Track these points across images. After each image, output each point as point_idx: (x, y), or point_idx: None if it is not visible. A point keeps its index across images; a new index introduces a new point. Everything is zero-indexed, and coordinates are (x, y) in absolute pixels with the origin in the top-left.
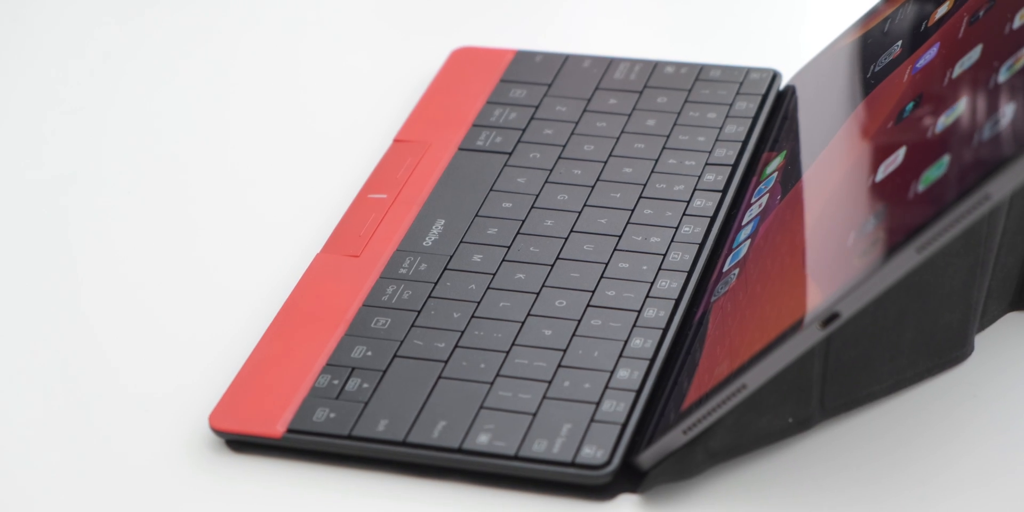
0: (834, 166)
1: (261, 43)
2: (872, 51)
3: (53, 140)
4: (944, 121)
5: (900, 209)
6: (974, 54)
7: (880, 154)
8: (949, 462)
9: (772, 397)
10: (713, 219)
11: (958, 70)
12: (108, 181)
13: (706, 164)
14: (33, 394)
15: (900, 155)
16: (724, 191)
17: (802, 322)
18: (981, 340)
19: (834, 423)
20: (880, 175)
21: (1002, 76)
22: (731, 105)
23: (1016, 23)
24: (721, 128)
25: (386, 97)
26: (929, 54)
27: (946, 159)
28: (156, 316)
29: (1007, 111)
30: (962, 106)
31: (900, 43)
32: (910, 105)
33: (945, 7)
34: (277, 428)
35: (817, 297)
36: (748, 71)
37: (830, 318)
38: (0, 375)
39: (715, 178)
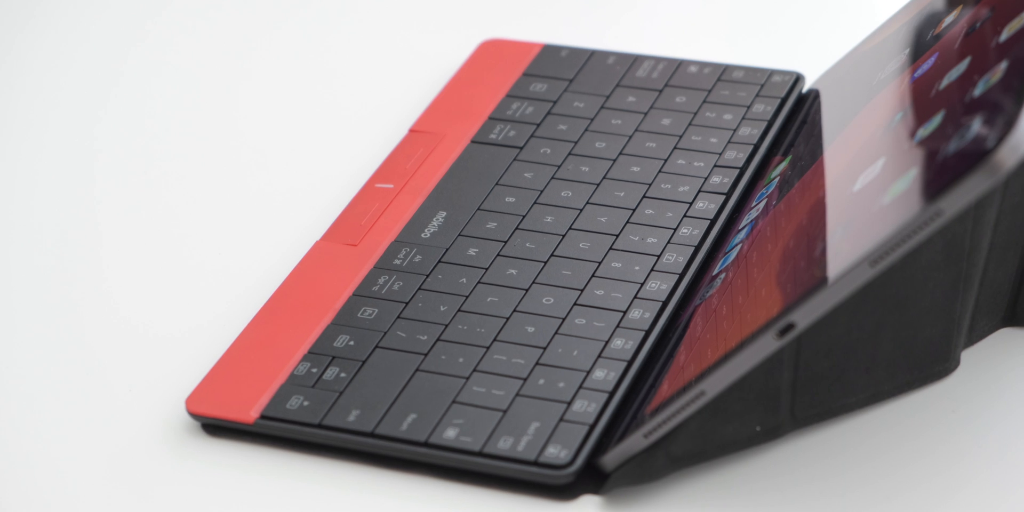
0: (825, 173)
1: (296, 28)
2: (885, 57)
3: (62, 108)
4: (922, 133)
5: (863, 221)
6: (962, 66)
7: (862, 163)
8: (919, 479)
9: (738, 405)
10: (713, 222)
11: (945, 82)
12: (119, 157)
13: (715, 166)
14: (24, 372)
15: (879, 166)
16: (728, 194)
17: (761, 331)
18: (969, 356)
19: (805, 434)
20: (858, 185)
21: (978, 90)
22: (749, 107)
23: (1003, 36)
24: (735, 130)
25: (411, 87)
26: (927, 64)
27: (912, 173)
28: (151, 296)
29: (974, 126)
30: (938, 119)
31: (907, 50)
32: (899, 115)
33: (952, 16)
34: (250, 414)
35: (778, 307)
36: (771, 73)
37: (786, 328)
38: None
39: (721, 180)
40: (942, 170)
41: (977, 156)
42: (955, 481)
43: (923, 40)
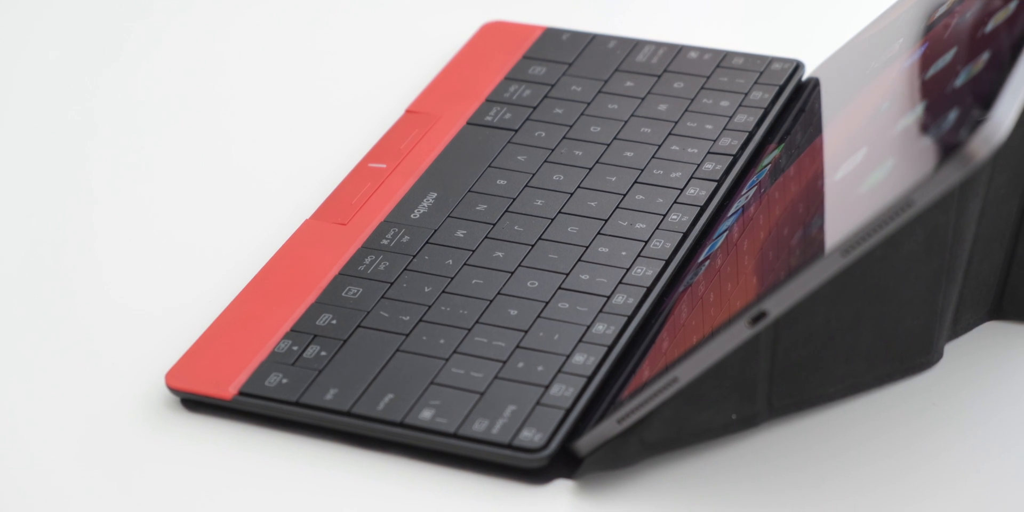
0: (813, 162)
1: (303, 5)
2: (882, 46)
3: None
4: (903, 123)
5: (840, 210)
6: (948, 57)
7: (846, 153)
8: (896, 472)
9: (713, 392)
10: (703, 209)
11: (931, 72)
12: (112, 132)
13: (708, 153)
14: (6, 345)
15: (860, 155)
16: (720, 181)
17: (734, 319)
18: (954, 348)
19: (783, 423)
20: (840, 174)
21: (959, 81)
22: (746, 94)
23: (989, 27)
24: (731, 117)
25: (412, 67)
26: (917, 53)
27: (890, 163)
28: (139, 271)
29: (949, 117)
30: (919, 110)
31: (901, 40)
32: (885, 105)
33: (946, 5)
34: (229, 390)
35: (755, 295)
36: (771, 61)
37: (758, 316)
38: None
39: (714, 167)
40: (917, 161)
41: (949, 147)
42: (933, 475)
43: (918, 29)
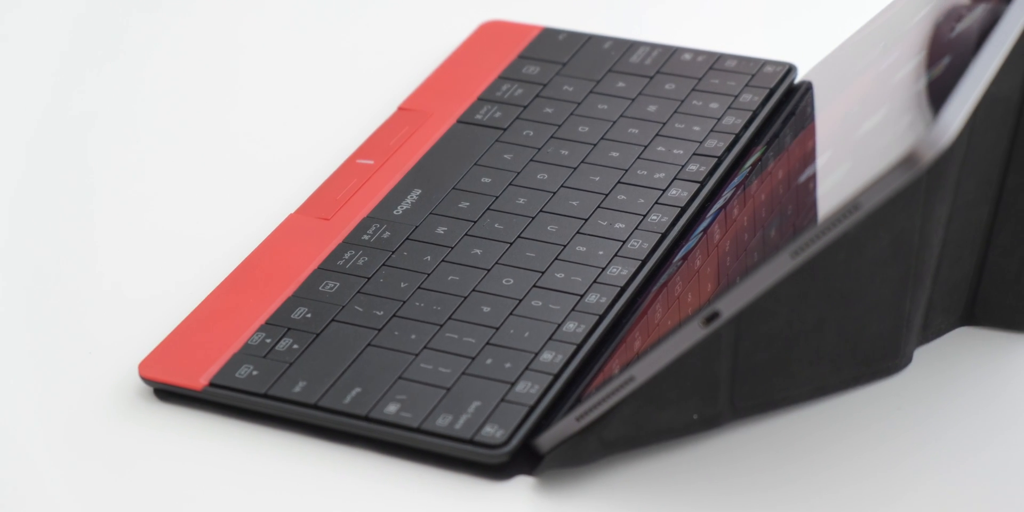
0: (786, 164)
1: (308, 1)
2: (867, 49)
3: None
4: (865, 127)
5: (795, 213)
6: (915, 60)
7: (814, 156)
8: (858, 475)
9: (673, 392)
10: (684, 210)
11: (899, 75)
12: (106, 122)
13: (693, 154)
14: None
15: (824, 159)
16: (703, 183)
17: (689, 319)
18: (924, 353)
19: (747, 424)
20: (803, 177)
21: (919, 85)
22: (736, 96)
23: (955, 31)
24: (719, 119)
25: (409, 65)
26: (892, 56)
27: (846, 166)
28: (122, 261)
29: (902, 120)
30: (881, 113)
31: (882, 44)
32: (854, 109)
33: (925, 9)
34: (200, 381)
35: (708, 295)
36: (764, 64)
37: (711, 316)
38: None
39: (698, 169)
40: (867, 164)
41: (897, 151)
42: (895, 480)
43: (897, 33)
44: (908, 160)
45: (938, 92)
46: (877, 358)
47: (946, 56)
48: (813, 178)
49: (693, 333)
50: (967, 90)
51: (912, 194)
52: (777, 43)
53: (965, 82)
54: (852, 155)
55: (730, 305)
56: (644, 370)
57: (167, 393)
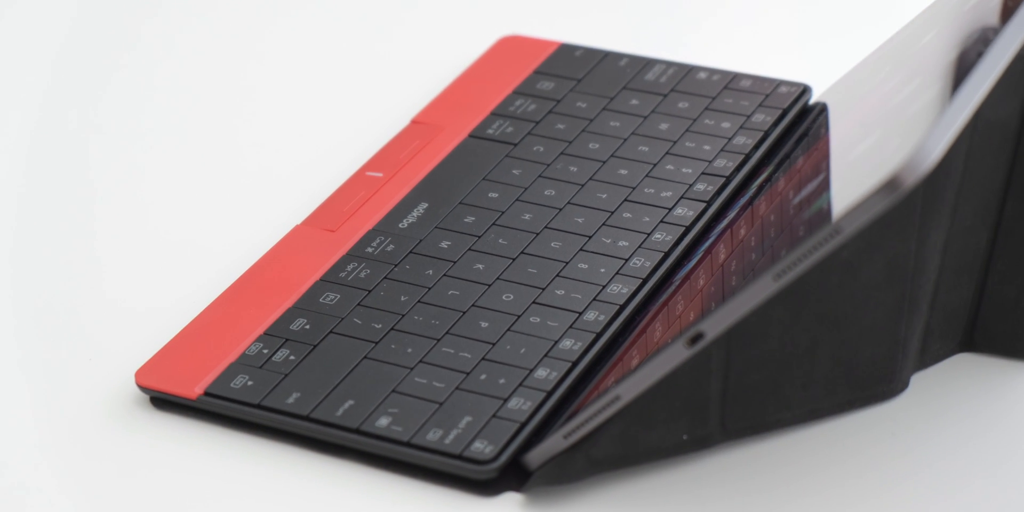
0: (787, 186)
1: (325, 11)
2: (877, 71)
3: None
4: (859, 149)
5: (783, 235)
6: (914, 84)
7: (811, 177)
8: (847, 501)
9: (662, 412)
10: (689, 229)
11: (896, 99)
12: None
13: (702, 173)
14: None
15: (817, 181)
16: (710, 202)
17: (675, 339)
18: (921, 379)
19: (739, 446)
20: (796, 199)
21: (912, 109)
22: (748, 116)
23: (953, 55)
24: (730, 139)
25: (424, 78)
26: (894, 79)
27: (834, 189)
28: (129, 270)
29: (890, 145)
30: (876, 136)
31: (888, 67)
32: (853, 131)
33: (929, 35)
34: (195, 390)
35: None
36: (779, 84)
37: (695, 337)
38: None
39: (705, 188)
40: (852, 188)
41: (879, 175)
42: (884, 508)
43: (902, 55)
44: (889, 185)
45: (924, 116)
46: (872, 383)
47: (941, 80)
48: (806, 200)
49: (678, 354)
50: (953, 115)
51: (907, 218)
52: (797, 63)
53: (951, 107)
54: (843, 178)
55: (714, 326)
56: (630, 389)
57: (163, 401)
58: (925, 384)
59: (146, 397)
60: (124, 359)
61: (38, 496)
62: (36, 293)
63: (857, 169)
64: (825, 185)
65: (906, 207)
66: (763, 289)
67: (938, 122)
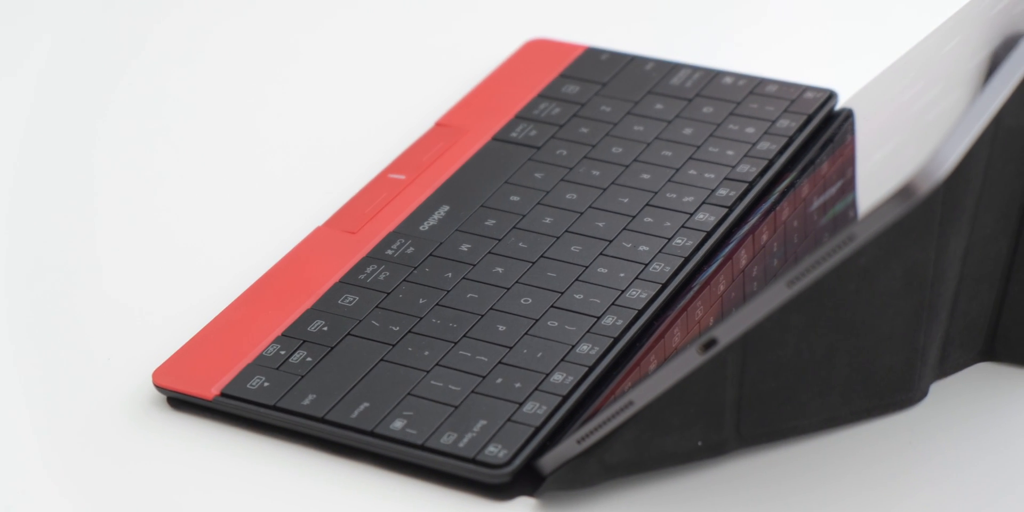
0: (808, 192)
1: (352, 14)
2: (903, 78)
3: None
4: (878, 156)
5: (800, 241)
6: (935, 91)
7: (830, 182)
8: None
9: (677, 418)
10: (710, 234)
11: (917, 106)
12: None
13: (724, 178)
14: (8, 339)
15: (835, 187)
16: (732, 207)
17: (688, 345)
18: (941, 388)
19: (754, 453)
20: (815, 205)
21: (931, 116)
22: (773, 122)
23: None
24: (754, 144)
25: (450, 81)
26: (916, 86)
27: (851, 196)
28: (150, 272)
29: (907, 152)
30: (893, 143)
31: (912, 74)
32: (875, 139)
33: (953, 42)
34: (211, 390)
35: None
36: (805, 89)
37: (708, 343)
38: None
39: (727, 193)
40: (868, 195)
41: (894, 182)
42: None
43: (924, 62)
44: (904, 192)
45: (941, 124)
46: (890, 391)
47: (962, 88)
48: (829, 206)
49: (691, 359)
50: (970, 122)
51: (925, 226)
52: (825, 69)
53: (969, 114)
54: (861, 185)
55: (727, 332)
56: (643, 395)
57: (180, 402)
58: (944, 393)
59: (163, 397)
60: (143, 360)
61: (55, 495)
62: (56, 294)
63: (876, 175)
64: (848, 191)
65: (924, 214)
66: (777, 295)
67: (955, 129)
